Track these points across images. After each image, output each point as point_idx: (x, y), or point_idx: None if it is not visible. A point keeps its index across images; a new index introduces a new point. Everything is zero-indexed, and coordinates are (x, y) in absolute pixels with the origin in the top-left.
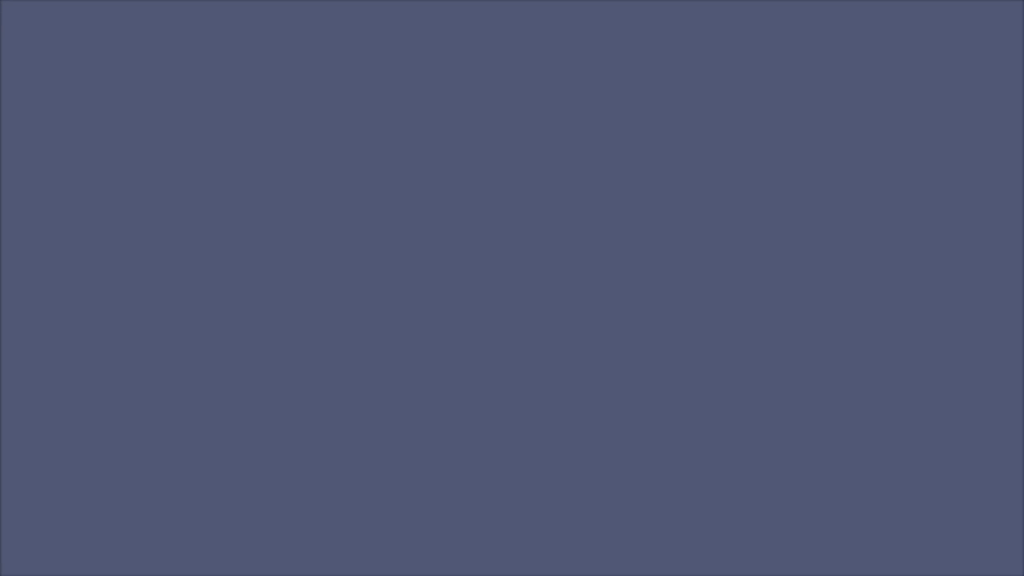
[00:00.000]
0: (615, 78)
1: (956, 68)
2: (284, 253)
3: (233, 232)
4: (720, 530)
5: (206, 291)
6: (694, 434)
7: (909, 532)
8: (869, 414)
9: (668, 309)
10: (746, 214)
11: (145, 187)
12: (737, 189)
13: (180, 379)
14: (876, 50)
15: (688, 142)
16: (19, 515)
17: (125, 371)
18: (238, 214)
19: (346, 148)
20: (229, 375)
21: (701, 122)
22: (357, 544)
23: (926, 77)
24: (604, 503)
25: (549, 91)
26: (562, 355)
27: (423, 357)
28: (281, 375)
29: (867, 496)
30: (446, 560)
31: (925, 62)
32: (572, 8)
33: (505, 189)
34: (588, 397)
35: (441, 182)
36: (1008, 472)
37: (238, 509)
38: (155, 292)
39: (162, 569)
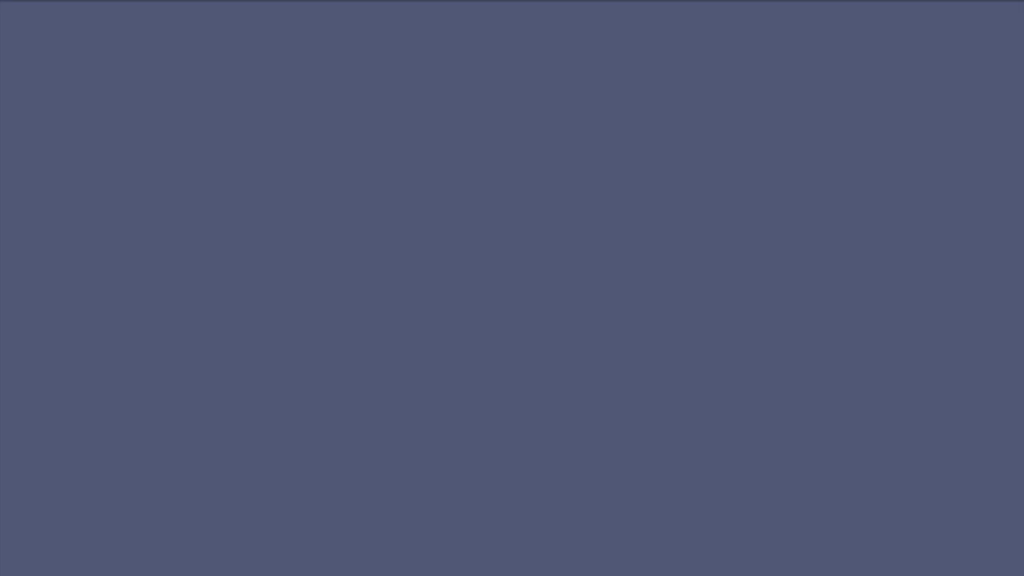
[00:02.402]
0: (615, 78)
1: (959, 69)
2: (284, 253)
3: (233, 232)
4: (720, 530)
5: (206, 291)
6: (694, 434)
7: (910, 533)
8: (869, 414)
9: (667, 309)
10: (746, 214)
11: (145, 187)
12: (737, 189)
13: (180, 379)
14: (879, 51)
15: (688, 142)
16: (19, 515)
17: (125, 371)
18: (238, 214)
19: (346, 148)
20: (229, 375)
21: (701, 122)
22: (357, 544)
23: (929, 78)
24: (604, 503)
25: (549, 91)
26: (562, 355)
27: (423, 357)
28: (281, 375)
29: (867, 496)
30: (446, 560)
31: (928, 63)
32: (572, 8)
33: (505, 189)
34: (588, 397)
35: (441, 182)
36: (1010, 473)
37: (238, 509)
38: (155, 292)
39: (162, 569)
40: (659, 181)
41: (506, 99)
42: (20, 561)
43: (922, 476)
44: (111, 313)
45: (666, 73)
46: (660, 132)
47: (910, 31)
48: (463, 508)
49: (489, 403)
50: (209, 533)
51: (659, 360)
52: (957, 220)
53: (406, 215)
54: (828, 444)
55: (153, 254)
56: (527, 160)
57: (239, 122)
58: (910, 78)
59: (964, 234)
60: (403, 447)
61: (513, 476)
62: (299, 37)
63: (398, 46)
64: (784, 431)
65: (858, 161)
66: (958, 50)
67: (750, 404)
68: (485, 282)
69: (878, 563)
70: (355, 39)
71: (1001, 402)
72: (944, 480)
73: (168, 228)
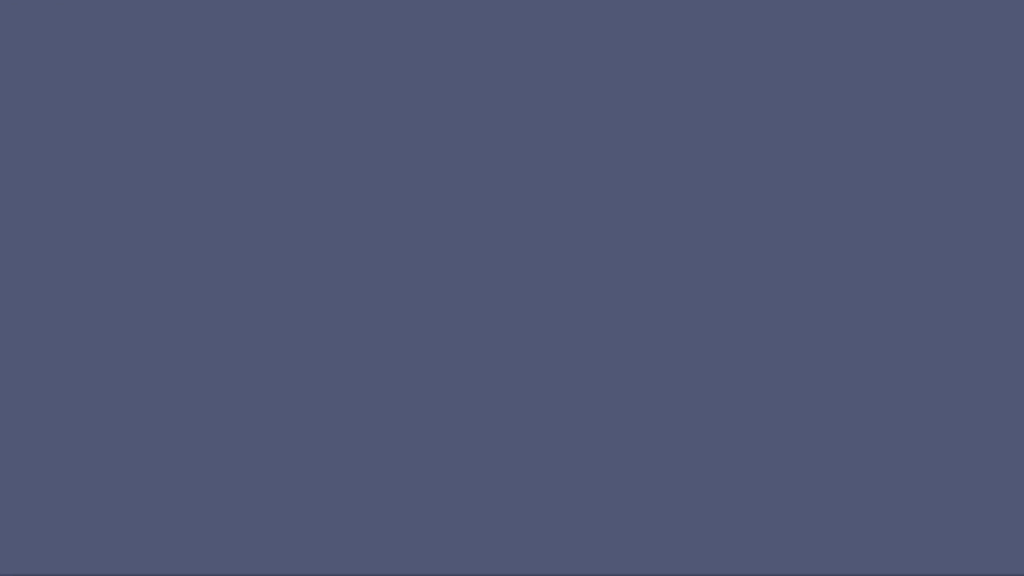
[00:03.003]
0: (615, 76)
1: (962, 63)
2: (284, 253)
3: (233, 232)
4: (720, 530)
5: (206, 291)
6: (694, 434)
7: (911, 532)
8: (870, 414)
9: (667, 309)
10: (746, 214)
11: (143, 186)
12: (737, 188)
13: (180, 379)
14: (881, 45)
15: (688, 141)
16: (17, 515)
17: (125, 371)
18: (238, 214)
19: (346, 148)
20: (229, 375)
21: (701, 120)
22: (357, 544)
23: (932, 72)
24: (604, 503)
25: (549, 89)
26: (562, 355)
27: (423, 357)
28: (281, 375)
29: (868, 496)
30: (446, 560)
31: (931, 57)
32: (572, 6)
33: (505, 188)
34: (588, 397)
35: (441, 181)
36: (1012, 473)
37: (238, 509)
38: (155, 292)
39: (162, 569)
40: (659, 181)
41: (506, 97)
42: (20, 561)
43: (923, 476)
44: (110, 312)
45: (666, 70)
46: (660, 130)
47: (912, 26)
48: (463, 508)
49: (489, 403)
50: (209, 533)
51: (659, 360)
52: (959, 219)
53: (406, 215)
54: (828, 444)
55: (152, 254)
56: (527, 159)
57: (238, 118)
58: (912, 75)
59: (966, 233)
60: (403, 447)
61: (513, 476)
62: (298, 33)
63: (398, 45)
64: (784, 431)
65: (859, 160)
66: (960, 46)
67: (750, 404)
68: (485, 282)
69: (879, 562)
70: (355, 35)
71: (1002, 402)
72: (945, 480)
73: (166, 226)
